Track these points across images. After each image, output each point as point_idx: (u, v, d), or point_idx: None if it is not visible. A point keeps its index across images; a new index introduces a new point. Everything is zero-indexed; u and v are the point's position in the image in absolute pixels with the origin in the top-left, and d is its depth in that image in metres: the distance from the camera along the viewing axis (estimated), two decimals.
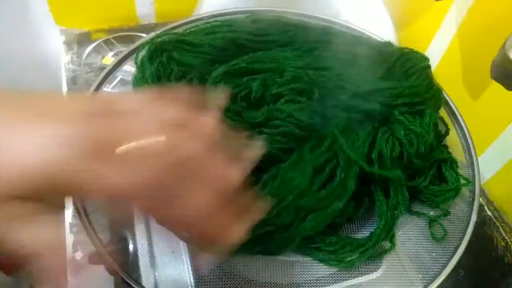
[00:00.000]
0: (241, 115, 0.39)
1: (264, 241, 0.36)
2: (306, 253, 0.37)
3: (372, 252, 0.38)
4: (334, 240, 0.38)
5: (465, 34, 0.69)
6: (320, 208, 0.36)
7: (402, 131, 0.39)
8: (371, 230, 0.40)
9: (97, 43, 0.83)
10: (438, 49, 0.74)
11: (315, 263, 0.37)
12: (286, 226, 0.36)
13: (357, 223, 0.41)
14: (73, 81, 0.78)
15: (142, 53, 0.45)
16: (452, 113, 0.49)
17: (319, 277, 0.37)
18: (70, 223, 0.62)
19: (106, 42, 0.83)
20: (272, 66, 0.42)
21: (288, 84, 0.41)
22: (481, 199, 0.49)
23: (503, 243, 0.65)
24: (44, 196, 0.24)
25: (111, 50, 0.82)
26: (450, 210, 0.41)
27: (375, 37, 0.53)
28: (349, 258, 0.37)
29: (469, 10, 0.66)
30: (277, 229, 0.36)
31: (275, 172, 0.37)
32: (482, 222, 0.67)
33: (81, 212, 0.38)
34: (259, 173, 0.38)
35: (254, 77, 0.41)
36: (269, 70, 0.42)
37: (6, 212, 0.24)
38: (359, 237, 0.39)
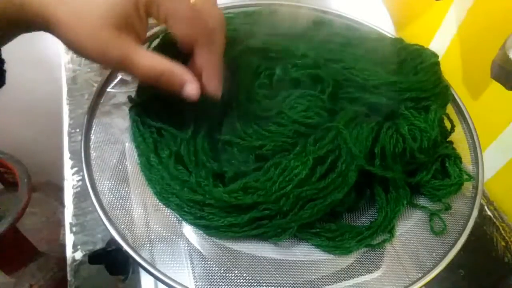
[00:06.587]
0: (260, 103, 0.41)
1: (261, 225, 0.36)
2: (305, 237, 0.37)
3: (370, 241, 0.38)
4: (334, 227, 0.38)
5: (465, 34, 0.69)
6: (319, 198, 0.37)
7: (406, 126, 0.39)
8: (372, 220, 0.40)
9: None
10: (438, 49, 0.75)
11: (316, 263, 0.37)
12: (285, 213, 0.36)
13: (359, 213, 0.41)
14: (73, 81, 0.78)
15: (155, 42, 0.45)
16: (459, 111, 0.49)
17: (319, 277, 0.37)
18: (70, 223, 0.62)
19: None
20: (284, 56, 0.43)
21: (307, 69, 0.42)
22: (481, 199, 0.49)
23: (503, 243, 0.65)
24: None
25: None
26: (451, 205, 0.41)
27: (386, 33, 0.53)
28: (346, 245, 0.37)
29: (469, 10, 0.67)
30: (275, 215, 0.36)
31: (278, 160, 0.38)
32: (482, 222, 0.67)
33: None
34: (265, 162, 0.38)
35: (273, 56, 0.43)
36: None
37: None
38: (359, 226, 0.39)
